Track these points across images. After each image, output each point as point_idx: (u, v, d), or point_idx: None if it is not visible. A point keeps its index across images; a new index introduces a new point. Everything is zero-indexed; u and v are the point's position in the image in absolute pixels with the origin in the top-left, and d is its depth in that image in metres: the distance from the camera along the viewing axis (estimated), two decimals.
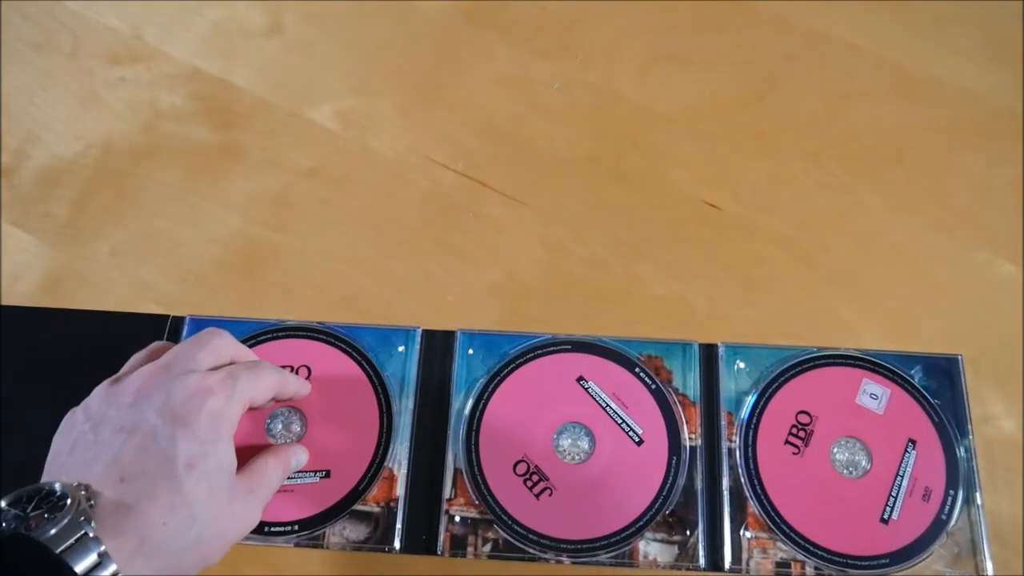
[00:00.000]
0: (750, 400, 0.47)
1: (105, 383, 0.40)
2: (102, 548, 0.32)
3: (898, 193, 0.53)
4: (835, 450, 0.45)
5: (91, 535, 0.32)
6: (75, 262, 0.54)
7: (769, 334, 0.49)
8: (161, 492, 0.35)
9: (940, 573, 0.43)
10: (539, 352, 0.48)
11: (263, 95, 0.59)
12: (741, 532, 0.44)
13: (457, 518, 0.45)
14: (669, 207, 0.54)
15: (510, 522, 0.44)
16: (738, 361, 0.48)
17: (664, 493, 0.44)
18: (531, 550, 0.44)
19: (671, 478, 0.45)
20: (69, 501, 0.33)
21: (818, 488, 0.45)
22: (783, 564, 0.43)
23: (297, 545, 0.44)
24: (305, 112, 0.58)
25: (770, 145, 0.55)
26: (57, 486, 0.34)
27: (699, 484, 0.45)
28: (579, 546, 0.44)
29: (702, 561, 0.43)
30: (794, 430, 0.46)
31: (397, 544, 0.44)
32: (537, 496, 0.45)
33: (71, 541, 0.32)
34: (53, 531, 0.32)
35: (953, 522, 0.43)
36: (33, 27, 0.62)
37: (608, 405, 0.46)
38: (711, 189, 0.54)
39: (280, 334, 0.49)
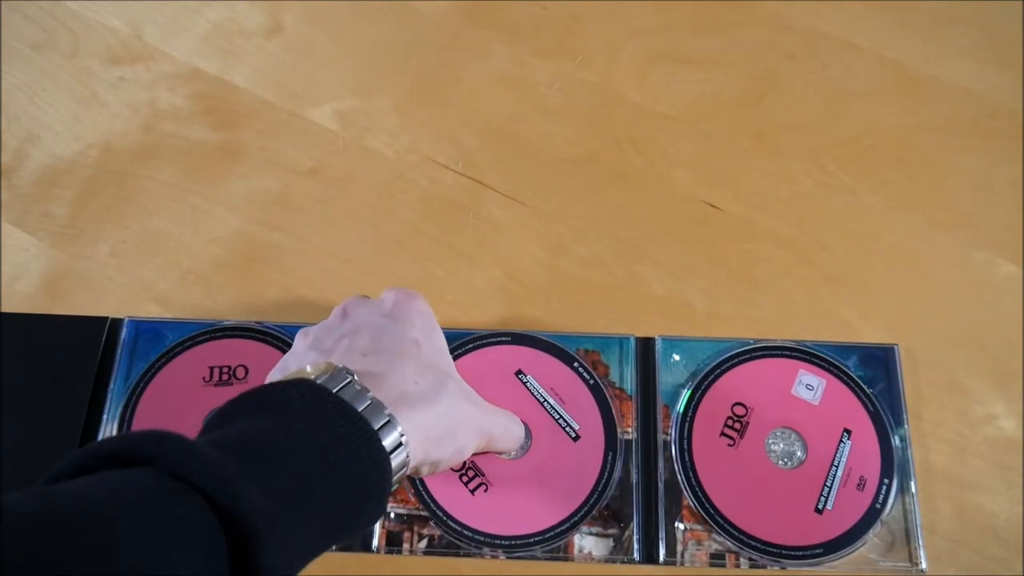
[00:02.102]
0: (686, 393, 0.47)
1: (300, 333, 0.41)
2: (371, 393, 0.32)
3: (898, 193, 0.53)
4: (770, 441, 0.45)
5: (358, 387, 0.32)
6: (75, 262, 0.54)
7: (769, 334, 0.49)
8: (407, 358, 0.36)
9: (874, 562, 0.43)
10: (478, 344, 0.48)
11: (263, 95, 0.59)
12: (676, 524, 0.44)
13: (392, 514, 0.45)
14: (669, 207, 0.54)
15: (445, 518, 0.44)
16: (674, 354, 0.48)
17: (600, 489, 0.44)
18: (466, 546, 0.44)
19: (607, 474, 0.45)
20: (324, 367, 0.33)
21: (753, 479, 0.45)
22: (718, 556, 0.43)
23: None
24: (305, 112, 0.58)
25: (770, 145, 0.55)
26: (308, 367, 0.34)
27: (634, 477, 0.45)
28: (514, 542, 0.44)
29: (637, 554, 0.44)
30: (729, 422, 0.46)
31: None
32: (472, 492, 0.45)
33: (341, 385, 0.32)
34: (321, 381, 0.32)
35: (887, 511, 0.44)
36: (33, 27, 0.62)
37: (545, 400, 0.46)
38: (711, 189, 0.54)
39: (219, 334, 0.49)
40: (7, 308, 0.52)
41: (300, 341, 0.40)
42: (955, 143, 0.55)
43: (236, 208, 0.55)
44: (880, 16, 0.59)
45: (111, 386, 0.48)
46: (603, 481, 0.45)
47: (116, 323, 0.50)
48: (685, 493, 0.44)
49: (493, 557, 0.44)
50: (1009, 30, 0.58)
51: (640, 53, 0.59)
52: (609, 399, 0.46)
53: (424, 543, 0.44)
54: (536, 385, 0.47)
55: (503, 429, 0.42)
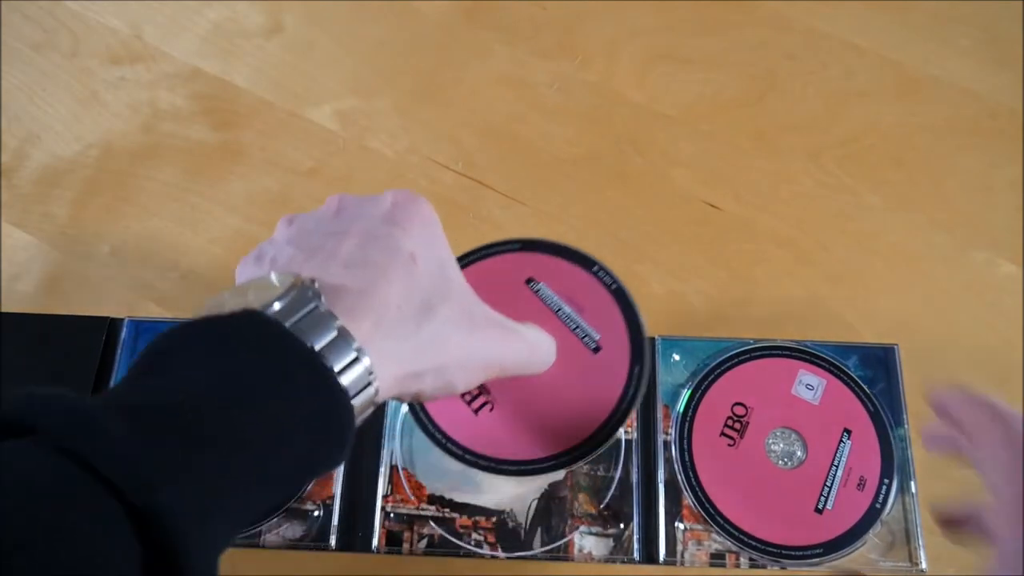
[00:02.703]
0: (686, 393, 0.47)
1: (284, 219, 0.34)
2: (339, 322, 0.27)
3: (898, 193, 0.53)
4: (770, 441, 0.46)
5: (323, 309, 0.27)
6: (75, 262, 0.54)
7: (769, 334, 0.49)
8: (395, 275, 0.30)
9: (874, 562, 0.43)
10: (482, 254, 0.42)
11: (263, 95, 0.59)
12: (676, 524, 0.44)
13: (392, 514, 0.45)
14: (669, 207, 0.54)
15: (444, 440, 0.38)
16: (674, 354, 0.48)
17: (625, 406, 0.38)
18: (469, 465, 0.38)
19: (633, 389, 0.38)
20: (291, 281, 0.28)
21: (753, 479, 0.45)
22: (718, 555, 0.44)
23: (234, 546, 0.44)
24: (305, 112, 0.58)
25: (770, 145, 0.55)
26: (273, 276, 0.29)
27: (634, 477, 0.45)
28: (523, 467, 0.38)
29: (637, 554, 0.44)
30: (729, 422, 0.46)
31: (333, 542, 0.44)
32: (476, 412, 0.39)
33: (301, 314, 0.26)
34: (278, 306, 0.27)
35: (887, 510, 0.44)
36: (33, 27, 0.62)
37: (561, 308, 0.41)
38: (711, 189, 0.54)
39: None
40: (7, 308, 0.52)
41: (282, 229, 0.34)
42: (955, 143, 0.55)
43: (236, 208, 0.55)
44: (880, 16, 0.59)
45: (111, 386, 0.48)
46: (627, 398, 0.38)
47: (116, 323, 0.50)
48: (685, 493, 0.44)
49: (493, 556, 0.44)
50: (1009, 30, 0.58)
51: (640, 53, 0.59)
52: (634, 306, 0.40)
53: (424, 543, 0.44)
54: (549, 293, 0.41)
55: (525, 356, 0.36)
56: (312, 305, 0.27)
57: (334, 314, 0.27)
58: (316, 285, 0.28)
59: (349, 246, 0.31)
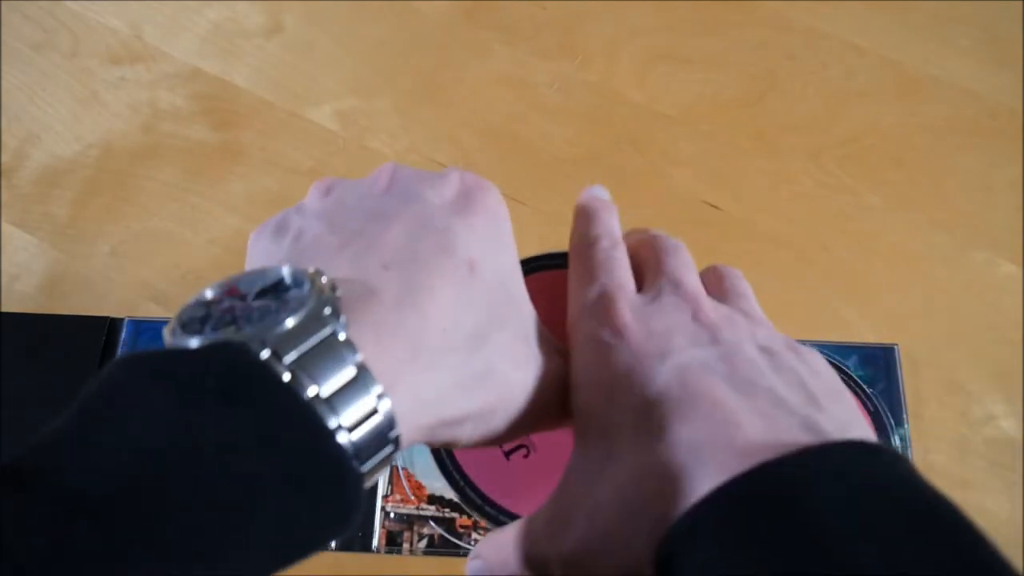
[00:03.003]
0: None
1: (320, 185, 0.27)
2: (359, 357, 0.20)
3: (898, 193, 0.53)
4: None
5: (341, 337, 0.20)
6: (75, 262, 0.54)
7: None
8: (442, 283, 0.23)
9: None
10: (543, 264, 0.34)
11: (263, 95, 0.59)
12: None
13: (393, 514, 0.45)
14: (669, 207, 0.54)
15: (464, 486, 0.32)
16: None
17: None
18: (490, 526, 0.31)
19: None
20: (307, 288, 0.21)
21: None
22: None
23: None
24: (305, 112, 0.58)
25: (770, 145, 0.55)
26: (284, 270, 0.22)
27: None
28: None
29: None
30: None
31: (333, 542, 0.44)
32: (508, 455, 0.32)
33: (310, 344, 0.20)
34: (291, 323, 0.20)
35: None
36: (33, 27, 0.62)
37: None
38: (711, 189, 0.54)
39: None
40: (7, 308, 0.52)
41: (315, 197, 0.27)
42: (955, 143, 0.55)
43: (236, 208, 0.55)
44: (880, 16, 0.59)
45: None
46: None
47: (116, 323, 0.50)
48: None
49: None
50: (1009, 30, 0.58)
51: (640, 53, 0.59)
52: None
53: (424, 543, 0.44)
54: None
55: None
56: (328, 331, 0.20)
57: (354, 344, 0.20)
58: (337, 294, 0.22)
59: (395, 236, 0.24)
